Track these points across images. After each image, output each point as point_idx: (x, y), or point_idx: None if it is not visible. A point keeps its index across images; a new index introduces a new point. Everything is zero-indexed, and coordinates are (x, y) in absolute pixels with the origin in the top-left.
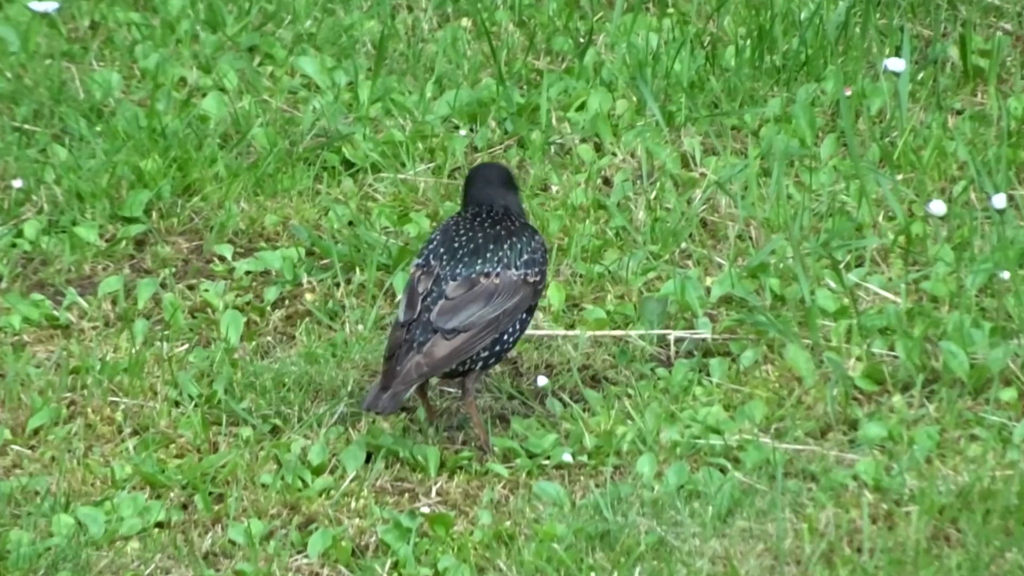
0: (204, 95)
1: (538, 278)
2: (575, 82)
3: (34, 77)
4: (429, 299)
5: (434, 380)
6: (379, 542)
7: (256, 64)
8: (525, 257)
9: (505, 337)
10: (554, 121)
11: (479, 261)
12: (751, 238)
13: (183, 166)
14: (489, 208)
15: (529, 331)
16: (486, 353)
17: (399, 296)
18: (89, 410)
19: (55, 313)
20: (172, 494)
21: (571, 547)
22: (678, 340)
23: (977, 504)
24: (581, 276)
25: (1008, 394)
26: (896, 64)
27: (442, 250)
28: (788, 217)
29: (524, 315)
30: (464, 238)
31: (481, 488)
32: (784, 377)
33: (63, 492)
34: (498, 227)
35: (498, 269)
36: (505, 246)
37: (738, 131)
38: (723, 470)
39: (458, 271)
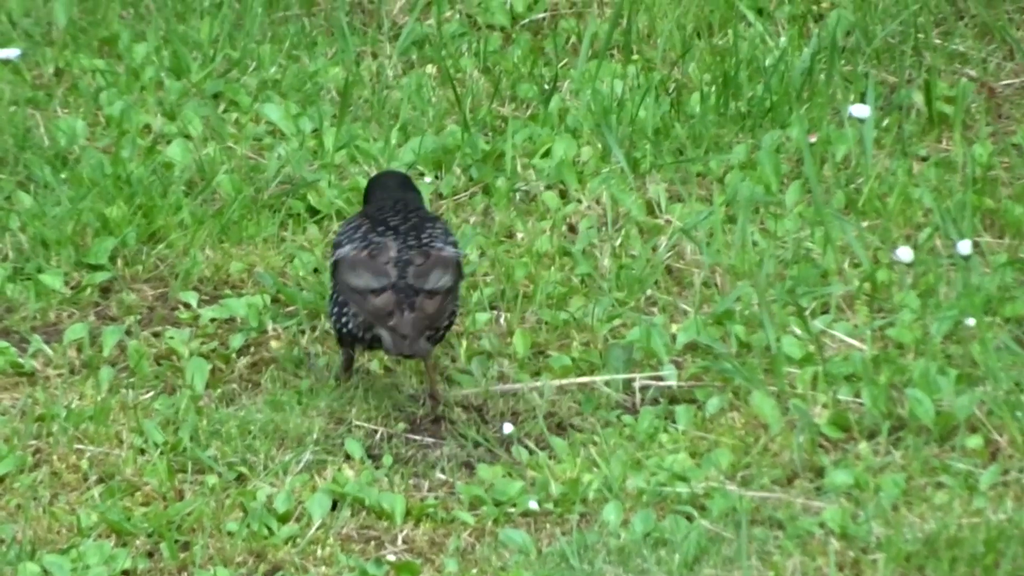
0: (169, 142)
1: (461, 260)
2: (540, 129)
3: None
4: (398, 267)
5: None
6: None
7: (221, 111)
8: (451, 239)
9: (455, 309)
10: (519, 168)
11: (423, 236)
12: (716, 285)
13: (148, 213)
14: (392, 202)
15: (495, 383)
16: (447, 323)
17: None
18: (55, 457)
19: (20, 360)
20: (138, 542)
21: None
22: (643, 387)
23: (944, 552)
24: (546, 323)
25: (974, 441)
26: (861, 111)
27: (379, 230)
28: (753, 264)
29: (458, 295)
30: (395, 220)
31: (447, 536)
32: (750, 424)
33: (28, 540)
34: (413, 215)
35: (439, 244)
36: (432, 228)
37: (703, 178)
38: (689, 518)
39: (411, 243)
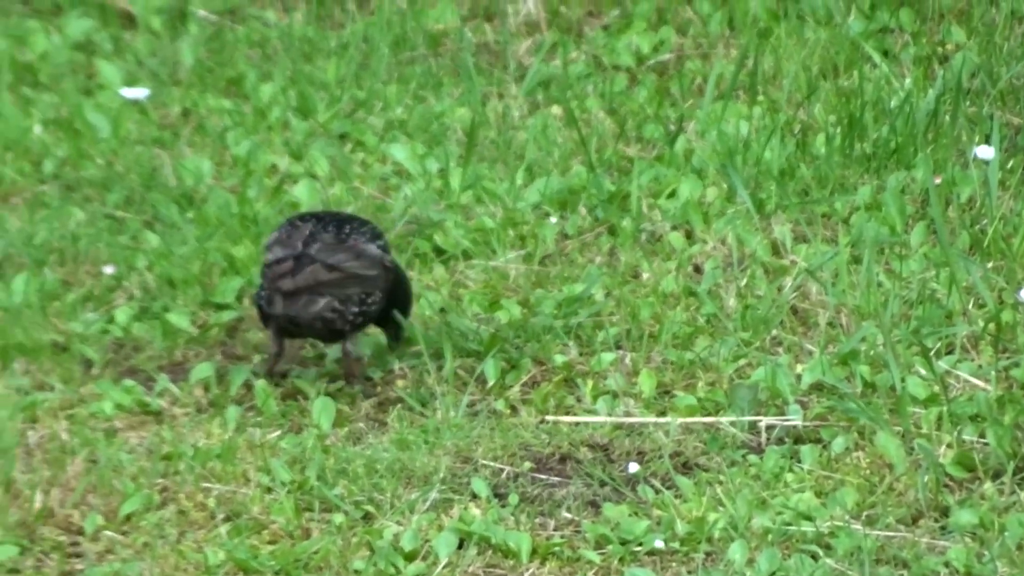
0: (295, 182)
1: (391, 265)
2: (666, 169)
3: (125, 164)
4: (305, 242)
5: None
6: None
7: (347, 151)
8: (380, 243)
9: (370, 301)
10: (645, 208)
11: (345, 229)
12: (842, 325)
13: None
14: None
15: (620, 418)
16: (356, 310)
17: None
18: (182, 496)
19: (147, 399)
20: None
21: None
22: (769, 427)
23: None
24: (672, 363)
25: None
26: (986, 152)
27: (305, 218)
28: (878, 304)
29: (381, 296)
30: (326, 216)
31: (573, 574)
32: (875, 464)
33: None
34: (340, 220)
35: (362, 240)
36: (359, 227)
37: (828, 218)
38: (814, 557)
39: (328, 229)
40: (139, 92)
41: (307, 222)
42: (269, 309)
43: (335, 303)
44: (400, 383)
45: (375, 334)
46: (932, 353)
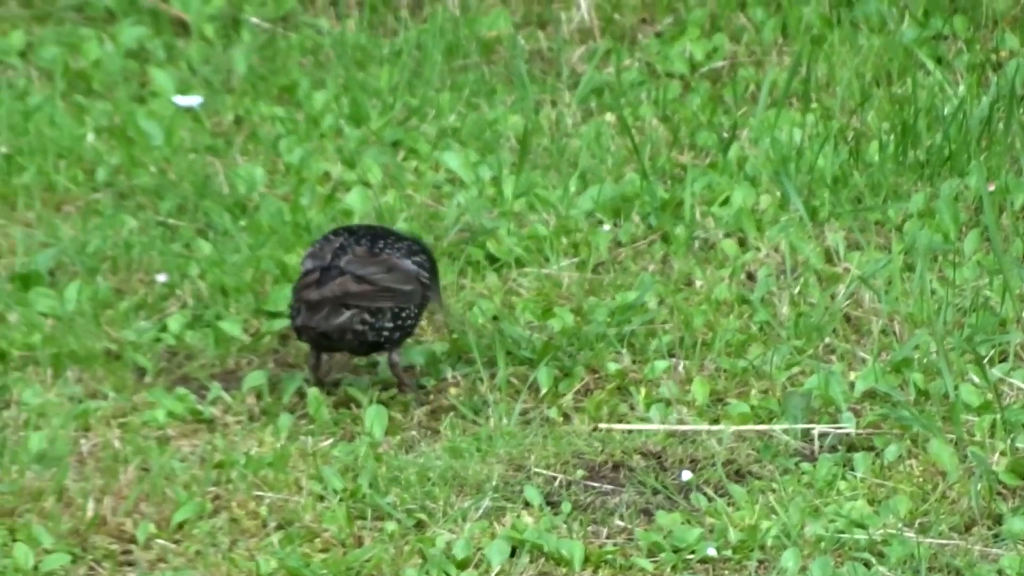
0: (348, 189)
1: (427, 281)
2: (719, 177)
3: (178, 171)
4: (336, 256)
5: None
6: None
7: (400, 159)
8: (416, 259)
9: (404, 315)
10: (698, 216)
11: (379, 243)
12: (895, 333)
13: None
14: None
15: (673, 426)
16: (391, 325)
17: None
18: (234, 504)
19: (199, 407)
20: None
21: None
22: (822, 435)
23: None
24: (725, 371)
25: None
26: None
27: (340, 232)
28: (932, 312)
29: (416, 309)
30: (355, 236)
31: None
32: (928, 472)
33: None
34: (375, 234)
35: (395, 254)
36: (395, 242)
37: (881, 226)
38: (867, 564)
39: (362, 242)
40: (192, 100)
41: (340, 235)
42: (294, 321)
43: (364, 315)
44: (453, 391)
45: (427, 342)
46: (985, 361)
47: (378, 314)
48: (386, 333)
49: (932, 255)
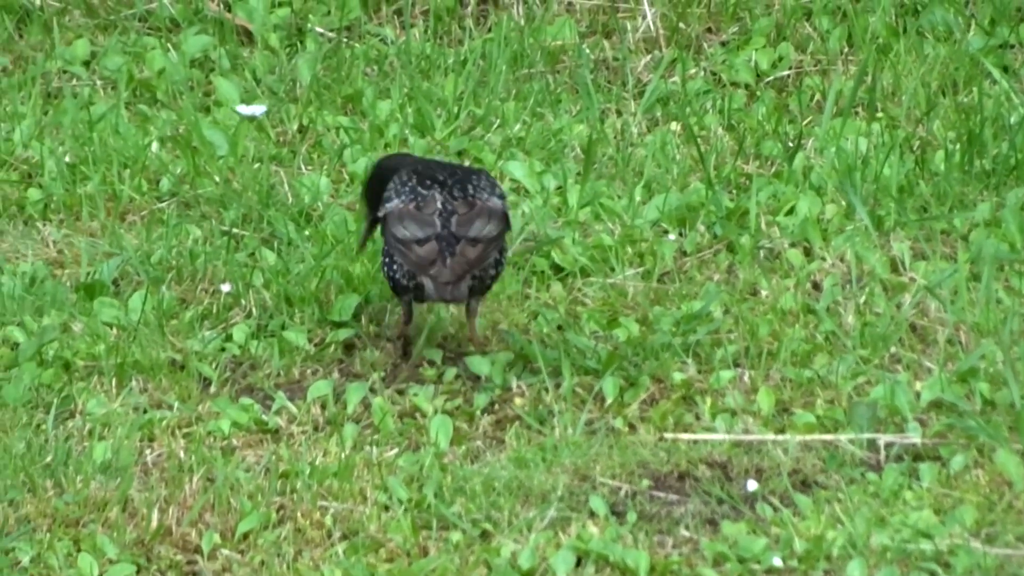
0: None
1: (508, 211)
2: (784, 186)
3: (242, 181)
4: (442, 217)
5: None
6: None
7: None
8: (498, 191)
9: (501, 259)
10: (763, 225)
11: (468, 188)
12: (961, 343)
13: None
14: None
15: (739, 436)
16: (494, 272)
17: (403, 229)
18: (299, 514)
19: (264, 417)
20: None
21: None
22: (888, 444)
23: None
24: (790, 381)
25: None
26: None
27: (426, 183)
28: (998, 321)
29: (504, 245)
30: (442, 175)
31: None
32: (994, 482)
33: None
34: (459, 170)
35: (484, 196)
36: (478, 180)
37: (947, 235)
38: (933, 575)
39: (456, 194)
40: (255, 109)
41: (430, 187)
42: (421, 291)
43: (478, 271)
44: (518, 401)
45: (493, 352)
46: None
47: (486, 267)
48: (491, 279)
49: (998, 264)
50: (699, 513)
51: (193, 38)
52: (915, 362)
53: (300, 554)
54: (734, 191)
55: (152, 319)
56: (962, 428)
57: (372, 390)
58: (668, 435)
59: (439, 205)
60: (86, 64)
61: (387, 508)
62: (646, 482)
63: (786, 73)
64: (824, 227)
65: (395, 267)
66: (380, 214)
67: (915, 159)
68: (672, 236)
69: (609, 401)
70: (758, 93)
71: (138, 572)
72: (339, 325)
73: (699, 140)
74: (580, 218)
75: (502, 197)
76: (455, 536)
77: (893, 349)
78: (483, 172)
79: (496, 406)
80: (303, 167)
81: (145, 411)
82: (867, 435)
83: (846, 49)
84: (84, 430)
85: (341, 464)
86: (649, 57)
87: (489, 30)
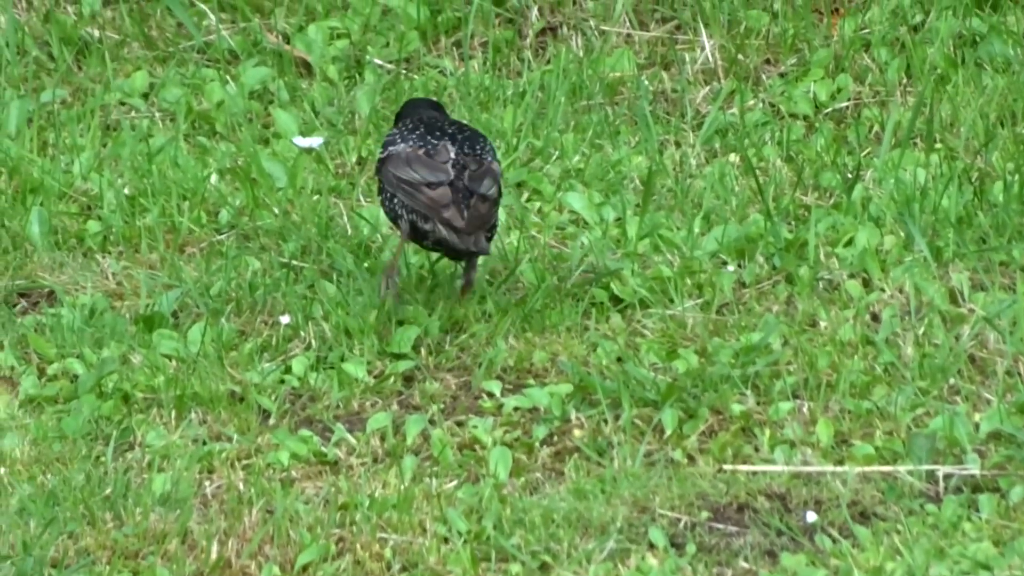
0: None
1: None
2: (843, 217)
3: (301, 213)
4: (455, 168)
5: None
6: None
7: (524, 200)
8: (496, 156)
9: (496, 223)
10: (822, 257)
11: (477, 147)
12: (1020, 374)
13: (451, 303)
14: (429, 117)
15: (798, 467)
16: (490, 235)
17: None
18: (358, 546)
19: (323, 449)
20: None
21: None
22: (947, 476)
23: None
24: (850, 412)
25: None
26: None
27: (436, 134)
28: None
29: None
30: (451, 129)
31: None
32: None
33: None
34: (467, 129)
35: (488, 158)
36: (484, 143)
37: (1006, 266)
38: None
39: (466, 150)
40: (312, 141)
41: (440, 137)
42: (442, 244)
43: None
44: (577, 433)
45: (552, 383)
46: None
47: (492, 225)
48: (495, 232)
49: None
50: (758, 545)
51: (252, 70)
52: (974, 393)
53: None
54: (793, 222)
55: (211, 351)
56: (1021, 459)
57: (431, 422)
58: (727, 467)
59: (452, 155)
60: (145, 96)
61: (446, 540)
62: (705, 514)
63: (845, 104)
64: (883, 258)
65: (396, 203)
66: (382, 155)
67: (974, 190)
68: (731, 267)
69: (668, 433)
70: (817, 124)
71: None
72: (398, 357)
73: (758, 171)
74: (639, 250)
75: (499, 163)
76: (514, 568)
77: (952, 380)
78: (483, 136)
79: (555, 438)
80: (362, 199)
81: (204, 443)
82: (926, 466)
83: (904, 80)
84: (143, 462)
85: (400, 496)
86: (708, 88)
87: (548, 62)
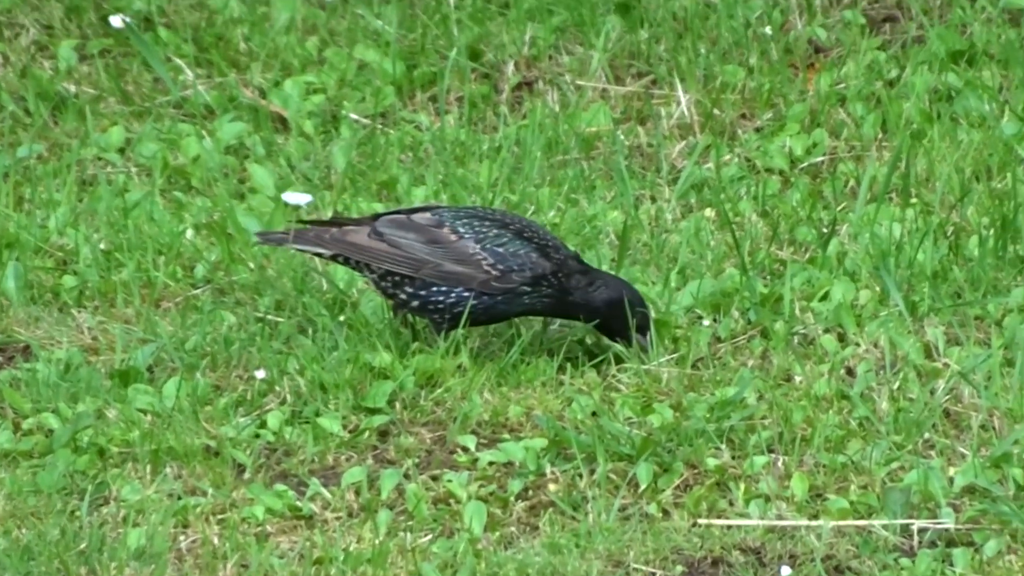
0: None
1: None
2: (818, 272)
3: (277, 267)
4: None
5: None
6: None
7: None
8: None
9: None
10: (797, 311)
11: None
12: (994, 428)
13: (426, 358)
14: None
15: (773, 521)
16: None
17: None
18: None
19: (298, 504)
20: None
21: None
22: (921, 530)
23: None
24: (824, 466)
25: None
26: None
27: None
28: None
29: None
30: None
31: None
32: None
33: None
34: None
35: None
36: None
37: (981, 321)
38: None
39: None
40: (302, 197)
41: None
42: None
43: None
44: (552, 487)
45: (527, 436)
46: None
47: None
48: None
49: None
50: None
51: (228, 125)
52: (949, 448)
53: None
54: (768, 277)
55: (186, 406)
56: (995, 513)
57: (406, 476)
58: (702, 521)
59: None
60: (121, 151)
61: None
62: (680, 568)
63: (820, 159)
64: (858, 313)
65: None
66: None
67: (949, 245)
68: (706, 322)
69: (643, 487)
70: (792, 179)
71: None
72: (373, 411)
73: (733, 226)
74: None
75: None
76: None
77: (927, 435)
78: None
79: (530, 492)
80: None
81: (179, 497)
82: (901, 521)
83: (880, 135)
84: (118, 516)
85: (375, 550)
86: (683, 143)
87: (524, 116)
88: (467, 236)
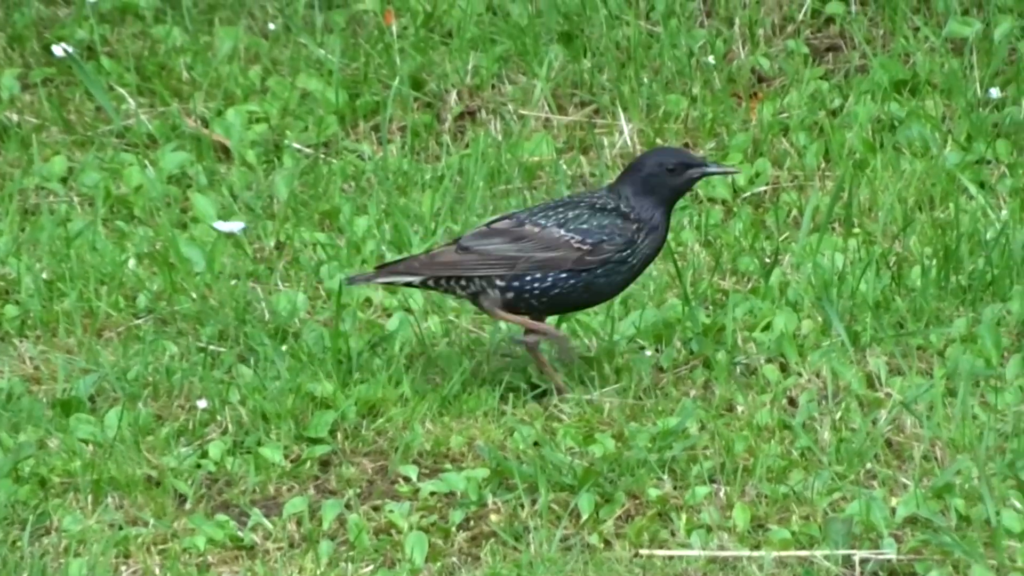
0: (390, 315)
1: None
2: (761, 302)
3: (219, 297)
4: None
5: None
6: None
7: None
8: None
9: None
10: (740, 341)
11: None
12: (936, 458)
13: (368, 387)
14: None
15: (715, 552)
16: None
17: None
18: None
19: (240, 534)
20: None
21: None
22: (863, 561)
23: None
24: (766, 496)
25: None
26: None
27: None
28: (974, 437)
29: None
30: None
31: None
32: None
33: None
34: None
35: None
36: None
37: (924, 351)
38: None
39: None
40: (233, 225)
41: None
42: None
43: None
44: (494, 517)
45: (469, 467)
46: None
47: None
48: None
49: (974, 380)
50: None
51: (170, 154)
52: (891, 478)
53: None
54: (711, 307)
55: (128, 436)
56: (937, 544)
57: (348, 506)
58: (644, 551)
59: None
60: (63, 180)
61: None
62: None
63: (763, 189)
64: (800, 343)
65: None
66: None
67: (892, 275)
68: (649, 352)
69: (585, 517)
70: (735, 209)
71: None
72: (315, 441)
73: (676, 256)
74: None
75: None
76: None
77: (869, 465)
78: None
79: (472, 522)
80: (280, 283)
81: (121, 528)
82: (843, 551)
83: (823, 164)
84: (60, 547)
85: None
86: None
87: (467, 146)
88: (549, 225)
